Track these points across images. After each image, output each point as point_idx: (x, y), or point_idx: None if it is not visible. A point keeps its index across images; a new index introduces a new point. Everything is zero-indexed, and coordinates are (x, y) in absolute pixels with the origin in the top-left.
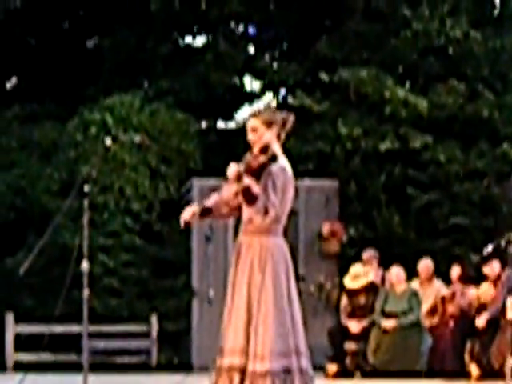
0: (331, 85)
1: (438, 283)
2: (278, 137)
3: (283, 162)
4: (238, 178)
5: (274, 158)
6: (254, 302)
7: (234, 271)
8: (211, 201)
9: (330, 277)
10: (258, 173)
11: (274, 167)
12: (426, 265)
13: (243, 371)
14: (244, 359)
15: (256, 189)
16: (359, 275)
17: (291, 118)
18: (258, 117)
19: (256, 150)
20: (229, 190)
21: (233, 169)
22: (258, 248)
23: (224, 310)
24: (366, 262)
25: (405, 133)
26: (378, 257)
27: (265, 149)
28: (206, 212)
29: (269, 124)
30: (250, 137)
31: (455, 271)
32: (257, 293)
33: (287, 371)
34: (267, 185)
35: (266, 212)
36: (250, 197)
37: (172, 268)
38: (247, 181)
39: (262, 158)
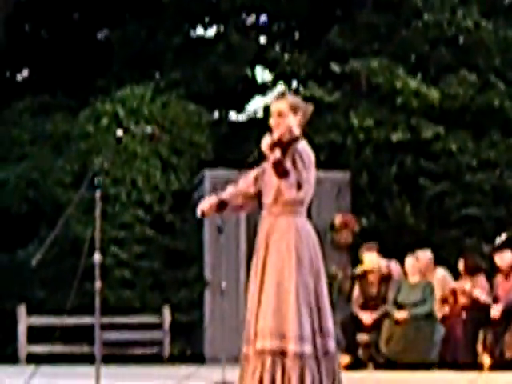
0: (342, 75)
1: (441, 272)
2: (299, 125)
3: (305, 145)
4: (272, 147)
5: (297, 139)
6: (285, 284)
7: (260, 253)
8: (227, 193)
9: (343, 268)
10: (286, 148)
11: (299, 145)
12: (428, 258)
13: (276, 353)
14: (278, 342)
15: (288, 163)
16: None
17: (311, 108)
18: (285, 100)
19: (278, 133)
20: (246, 181)
21: (267, 140)
22: (284, 229)
23: (251, 295)
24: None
25: (416, 123)
26: (377, 248)
27: (286, 134)
28: (222, 205)
29: (295, 109)
30: (275, 119)
31: (461, 264)
32: (286, 275)
33: (314, 352)
34: (296, 161)
35: (300, 187)
36: (281, 169)
37: (184, 259)
38: (278, 154)
39: (290, 135)
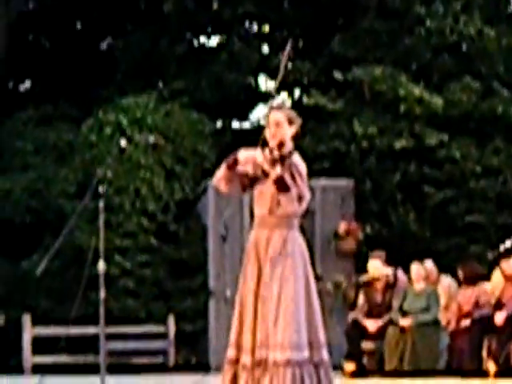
0: (345, 83)
1: (446, 280)
2: (293, 137)
3: (298, 158)
4: (273, 163)
5: (292, 152)
6: (276, 295)
7: (254, 265)
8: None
9: (347, 275)
10: (284, 162)
11: (295, 159)
12: (430, 268)
13: (262, 362)
14: (265, 351)
15: (288, 178)
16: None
17: (300, 121)
18: (282, 112)
19: (273, 143)
20: (244, 168)
21: (260, 154)
22: (278, 241)
23: (243, 305)
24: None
25: (420, 130)
26: (384, 256)
27: (281, 144)
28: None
29: (291, 121)
30: (272, 130)
31: (460, 273)
32: (278, 286)
33: (307, 362)
34: (294, 174)
35: (300, 200)
36: (283, 186)
37: (188, 268)
38: (279, 170)
39: (288, 148)
